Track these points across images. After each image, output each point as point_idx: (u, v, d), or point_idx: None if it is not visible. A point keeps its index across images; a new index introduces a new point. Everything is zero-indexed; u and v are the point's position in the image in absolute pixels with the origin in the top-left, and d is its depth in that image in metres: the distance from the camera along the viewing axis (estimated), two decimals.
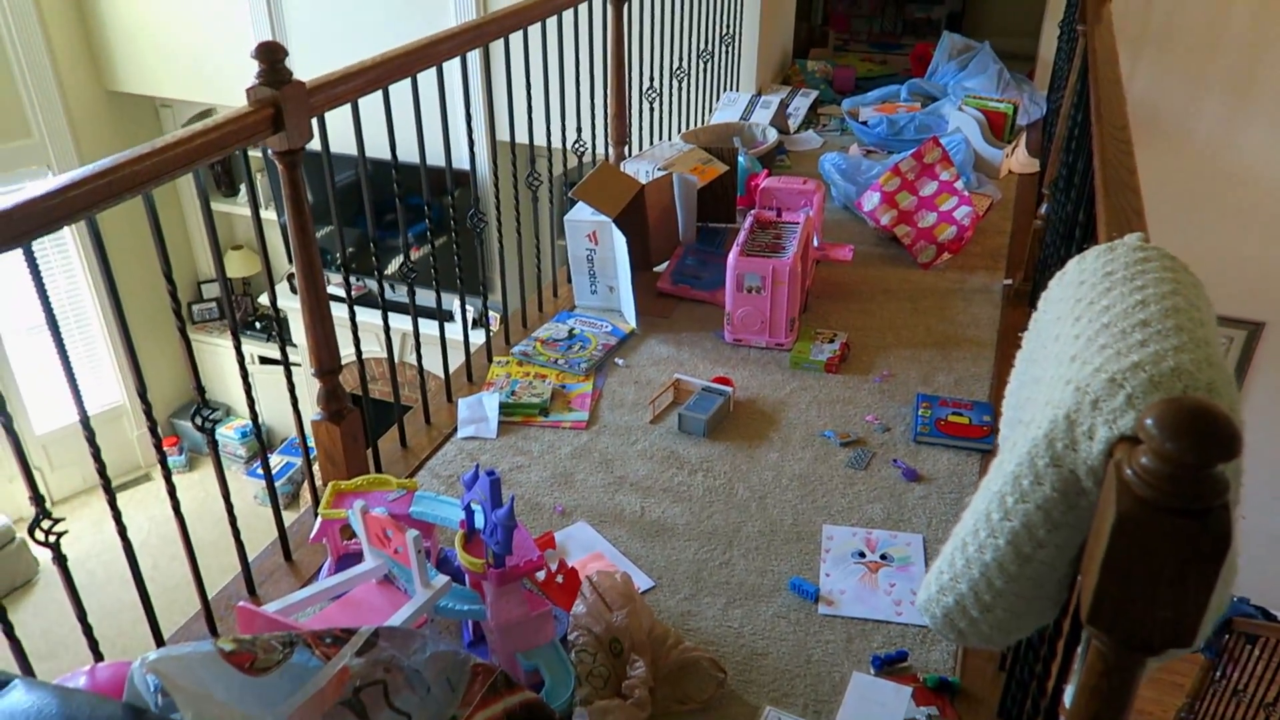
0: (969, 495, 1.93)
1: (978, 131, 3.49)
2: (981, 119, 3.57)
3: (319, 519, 1.66)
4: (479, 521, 1.48)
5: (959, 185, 2.92)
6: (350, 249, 5.61)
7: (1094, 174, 1.39)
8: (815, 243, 2.74)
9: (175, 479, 1.65)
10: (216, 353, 6.47)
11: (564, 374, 2.37)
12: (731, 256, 2.40)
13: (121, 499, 1.54)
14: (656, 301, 2.72)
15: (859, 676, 1.53)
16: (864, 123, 3.86)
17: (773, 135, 3.55)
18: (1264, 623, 3.81)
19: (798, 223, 2.58)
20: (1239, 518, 0.78)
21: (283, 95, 1.55)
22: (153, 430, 1.49)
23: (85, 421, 1.39)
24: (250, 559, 1.79)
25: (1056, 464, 0.76)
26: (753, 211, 2.65)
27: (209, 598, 1.66)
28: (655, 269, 2.88)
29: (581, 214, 2.59)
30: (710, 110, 3.96)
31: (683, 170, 2.89)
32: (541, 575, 1.70)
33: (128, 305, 1.47)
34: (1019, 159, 3.64)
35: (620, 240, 2.51)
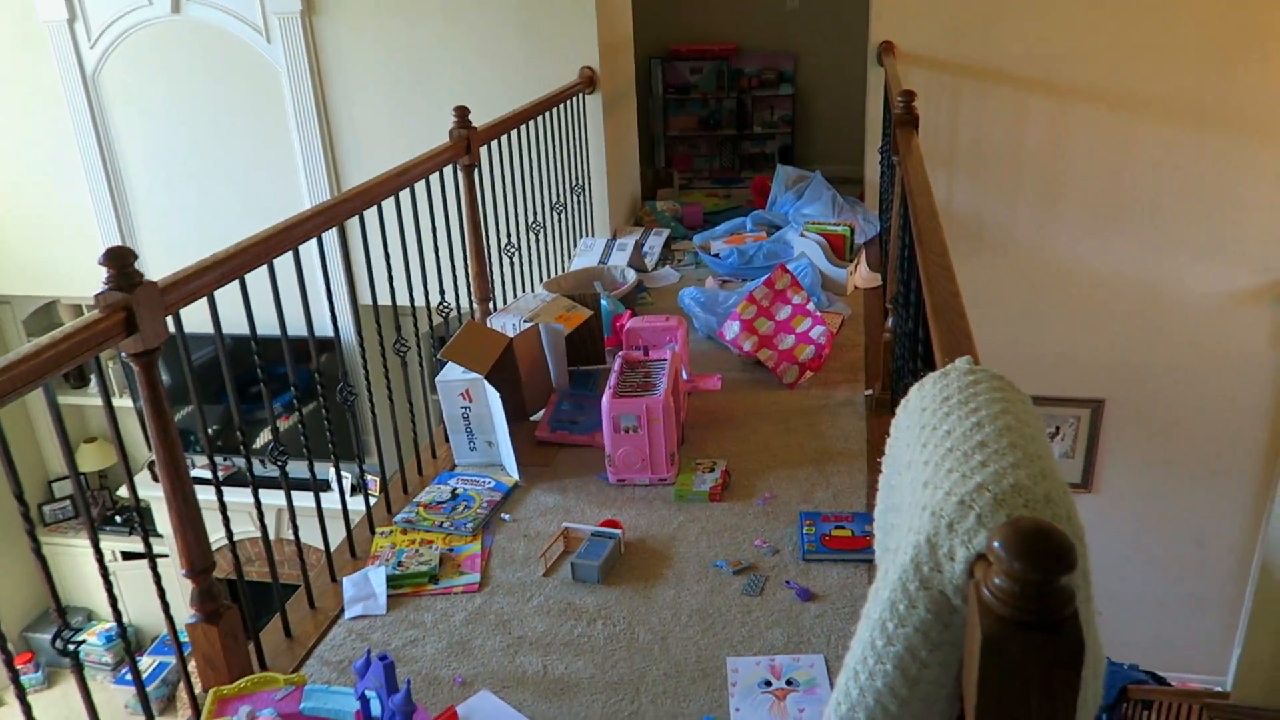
0: (861, 606, 1.98)
1: (821, 254, 3.72)
2: (823, 242, 3.81)
3: None
4: (375, 710, 1.42)
5: (811, 306, 3.10)
6: (215, 427, 5.42)
7: (924, 299, 1.51)
8: (684, 375, 2.83)
9: (33, 699, 1.53)
10: (72, 553, 6.03)
11: (450, 536, 2.33)
12: (605, 399, 2.45)
13: None
14: (537, 450, 2.73)
15: None
16: (716, 255, 4.06)
17: (631, 275, 3.69)
18: (1156, 687, 3.97)
19: (665, 359, 2.67)
20: (1095, 613, 0.84)
21: (134, 298, 1.53)
22: (5, 655, 1.39)
23: None
24: None
25: (926, 587, 0.81)
26: (621, 353, 2.73)
27: None
28: (531, 418, 2.90)
29: (453, 374, 2.61)
30: (569, 257, 4.09)
31: (548, 320, 2.96)
32: None
33: None
34: (862, 275, 3.89)
35: (494, 395, 2.53)
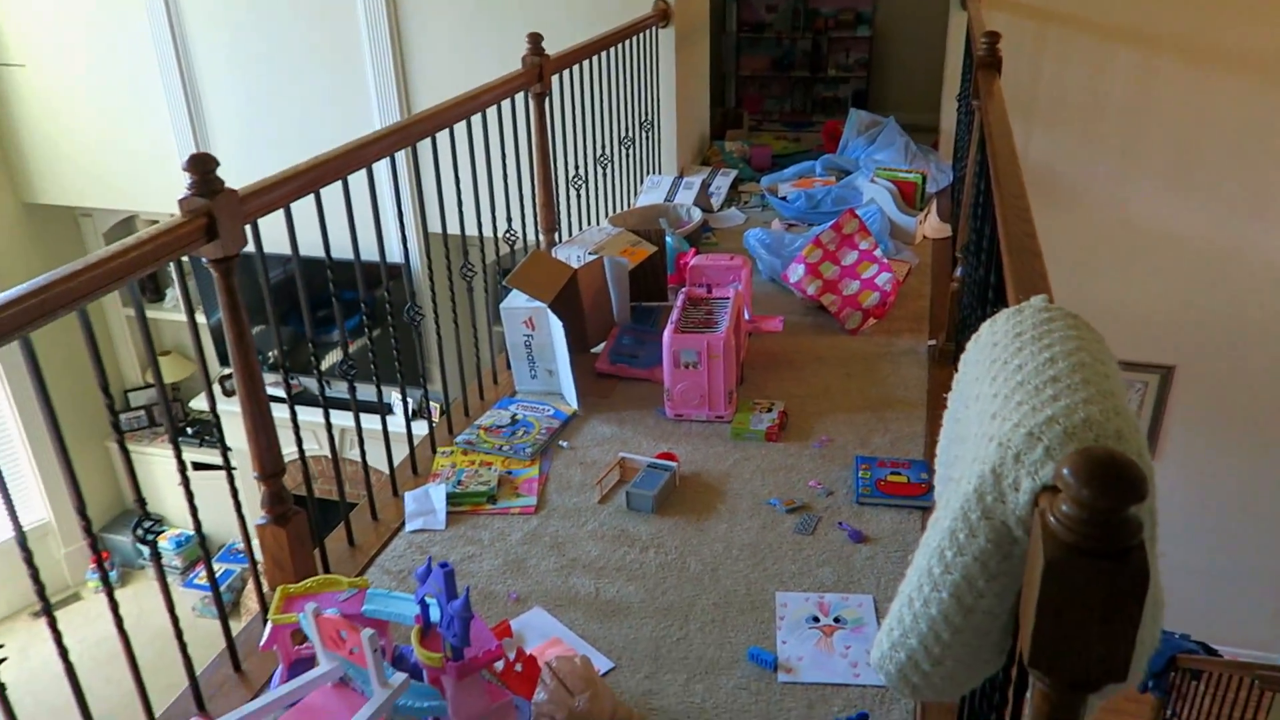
0: (913, 552, 1.99)
1: (891, 201, 3.65)
2: (893, 189, 3.74)
3: (269, 625, 1.63)
4: (435, 615, 1.48)
5: (878, 253, 3.05)
6: (285, 347, 5.57)
7: (999, 240, 1.48)
8: (746, 315, 2.82)
9: (105, 596, 1.62)
10: (145, 461, 6.29)
11: (509, 460, 2.38)
12: (667, 334, 2.46)
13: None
14: (596, 382, 2.76)
15: None
16: (783, 198, 4.01)
17: (697, 214, 3.67)
18: (1206, 658, 3.92)
19: (728, 298, 2.66)
20: (1159, 554, 0.84)
21: (215, 204, 1.57)
22: (94, 545, 1.47)
23: (23, 543, 1.37)
24: (196, 672, 1.75)
25: (988, 516, 0.81)
26: (684, 289, 2.73)
27: (155, 718, 1.61)
28: (592, 350, 2.92)
29: (517, 301, 2.64)
30: (635, 193, 4.08)
31: (613, 253, 2.97)
32: (500, 665, 1.69)
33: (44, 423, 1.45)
34: (932, 225, 3.82)
35: (557, 324, 2.55)
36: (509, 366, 2.75)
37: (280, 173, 1.79)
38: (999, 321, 1.00)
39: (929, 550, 0.88)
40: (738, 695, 1.66)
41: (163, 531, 6.35)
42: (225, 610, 1.85)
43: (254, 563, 1.89)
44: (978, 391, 0.93)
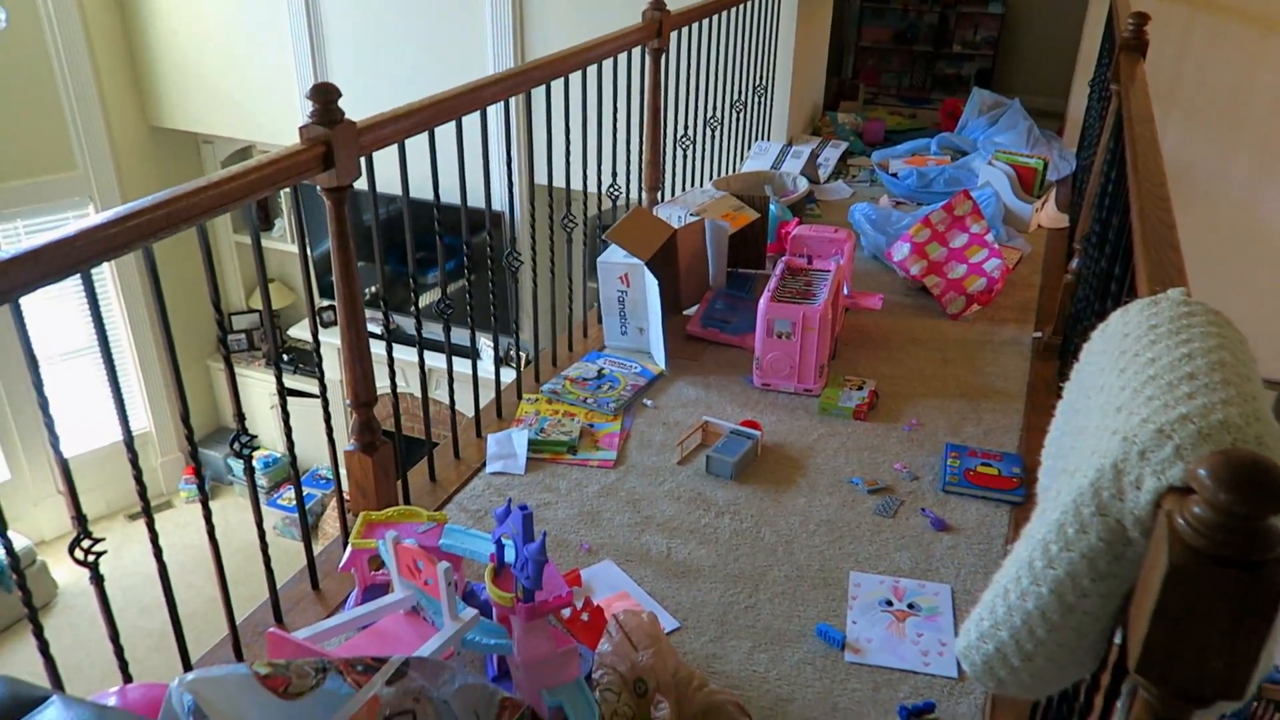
0: (998, 546, 1.93)
1: (1008, 186, 3.51)
2: (1011, 174, 3.59)
3: (349, 548, 1.67)
4: (509, 556, 1.49)
5: (989, 238, 2.94)
6: (376, 287, 5.67)
7: (1131, 230, 1.40)
8: (845, 290, 2.75)
9: (195, 509, 1.69)
10: (242, 384, 6.52)
11: (593, 413, 2.38)
12: (763, 301, 2.42)
13: (143, 526, 1.57)
14: (686, 344, 2.73)
15: None
16: (894, 174, 3.89)
17: (803, 184, 3.59)
18: None
19: (829, 270, 2.60)
20: None
21: (334, 134, 1.59)
22: (194, 453, 1.52)
23: (130, 444, 1.44)
24: (277, 587, 1.81)
25: (1103, 513, 0.76)
26: (784, 258, 2.67)
27: (237, 624, 1.67)
28: (685, 312, 2.90)
29: (614, 256, 2.62)
30: (742, 159, 4.01)
31: (715, 216, 2.93)
32: (567, 613, 1.70)
33: (157, 336, 1.52)
34: (1048, 214, 3.66)
35: (652, 283, 2.53)
36: (600, 321, 2.74)
37: (397, 109, 1.80)
38: (1132, 311, 0.94)
39: (1033, 542, 0.83)
40: (802, 669, 1.64)
41: (257, 449, 6.61)
42: (309, 530, 1.91)
43: (339, 488, 1.94)
44: (1102, 383, 0.88)
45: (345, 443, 1.94)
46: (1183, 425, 0.73)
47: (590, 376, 2.53)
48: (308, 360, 6.14)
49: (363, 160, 1.71)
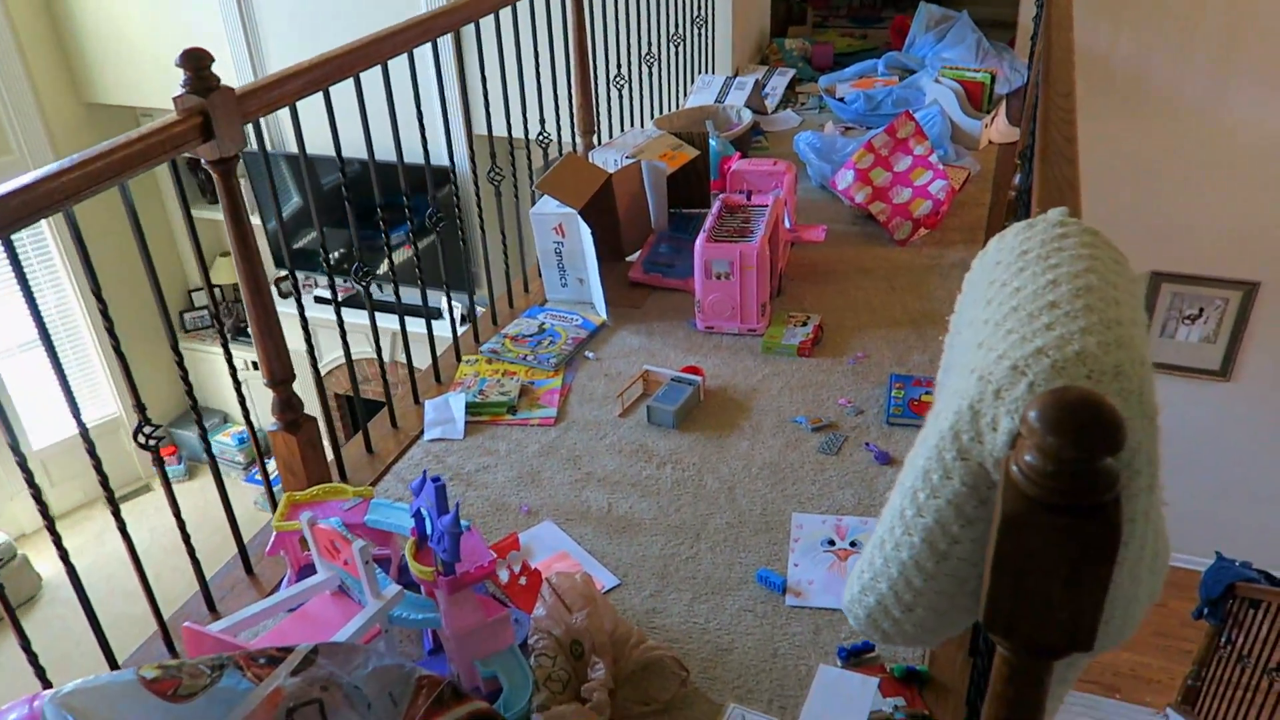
0: None
1: (955, 103, 3.43)
2: (959, 90, 3.50)
3: (274, 531, 1.63)
4: (430, 529, 1.45)
5: (933, 159, 2.87)
6: (341, 250, 5.59)
7: (1037, 124, 1.34)
8: (787, 224, 2.69)
9: (175, 488, 1.68)
10: (210, 359, 6.46)
11: (533, 370, 2.33)
12: (698, 242, 2.36)
13: (122, 510, 1.56)
14: (628, 292, 2.68)
15: (825, 669, 1.50)
16: (841, 99, 3.80)
17: (747, 116, 3.50)
18: (1267, 587, 3.77)
19: (766, 205, 2.54)
20: (1159, 504, 0.74)
21: (210, 103, 1.51)
22: (148, 446, 1.48)
23: (85, 434, 1.39)
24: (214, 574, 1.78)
25: (964, 457, 0.72)
26: (720, 196, 2.60)
27: (164, 618, 1.64)
28: (629, 259, 2.84)
29: (547, 207, 2.55)
30: (684, 94, 3.91)
31: (651, 157, 2.85)
32: (505, 577, 1.68)
33: (119, 316, 1.51)
34: (999, 128, 3.58)
35: (586, 232, 2.47)
36: (540, 274, 2.68)
37: (283, 70, 1.72)
38: (1007, 237, 0.89)
39: (903, 490, 0.80)
40: (742, 617, 1.62)
41: (223, 429, 6.56)
42: (234, 517, 1.88)
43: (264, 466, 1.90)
44: (970, 316, 0.83)
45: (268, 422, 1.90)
46: (1037, 359, 0.69)
47: (530, 333, 2.47)
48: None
49: (251, 127, 1.63)
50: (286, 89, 1.69)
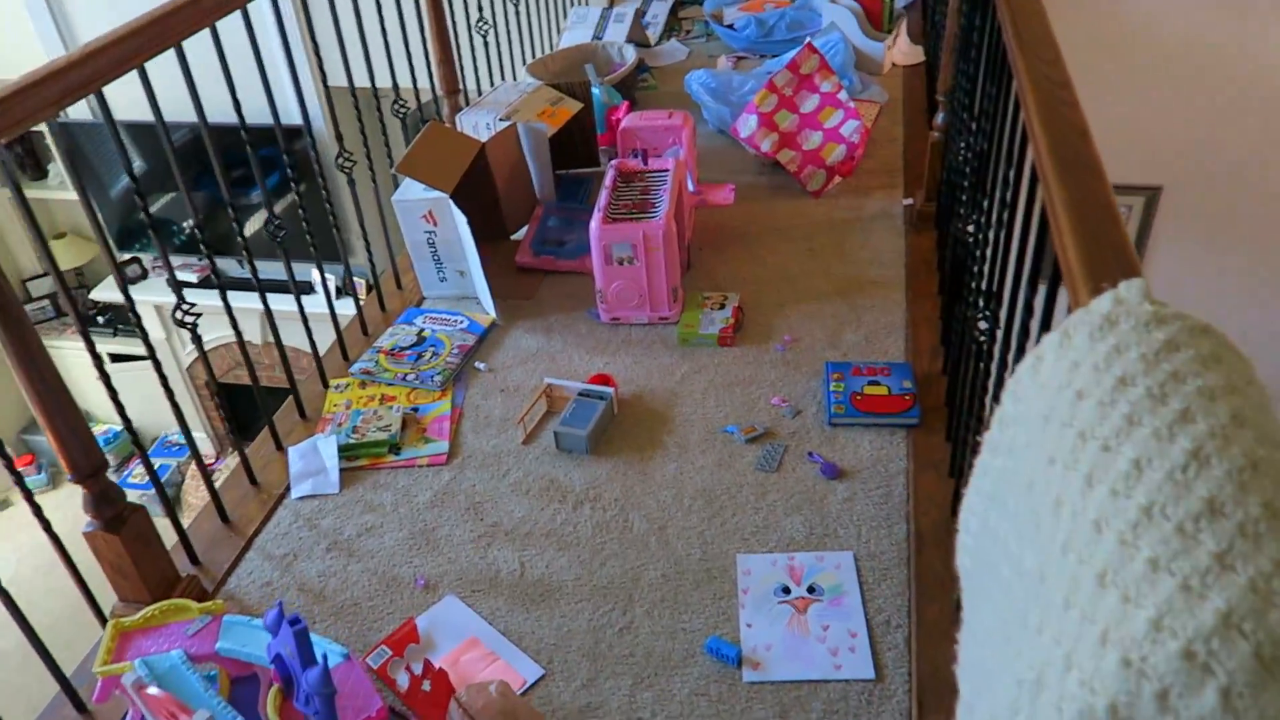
0: (899, 487, 1.66)
1: (855, 24, 3.13)
2: (857, 9, 3.20)
3: (99, 678, 1.28)
4: (295, 682, 1.13)
5: (843, 96, 2.58)
6: (188, 223, 5.01)
7: (1023, 119, 1.06)
8: (690, 186, 2.38)
9: (39, 499, 1.42)
10: (59, 355, 5.77)
11: (416, 391, 1.99)
12: (594, 224, 2.03)
13: None
14: (518, 280, 2.33)
15: None
16: (730, 26, 3.45)
17: (630, 54, 3.13)
18: None
19: (666, 169, 2.21)
20: None
21: None
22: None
23: None
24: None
25: None
26: (613, 162, 2.26)
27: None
28: (513, 236, 2.49)
29: (412, 192, 2.17)
30: (557, 34, 3.50)
31: (529, 117, 2.48)
32: (404, 682, 1.38)
33: None
34: (902, 49, 3.31)
35: (462, 220, 2.11)
36: (414, 268, 2.31)
37: (66, 56, 1.31)
38: (1078, 340, 0.60)
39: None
40: (695, 703, 1.36)
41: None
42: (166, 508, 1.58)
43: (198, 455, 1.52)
44: (1050, 480, 0.55)
45: (188, 402, 1.52)
46: (1225, 642, 0.41)
47: (409, 344, 2.12)
48: (127, 319, 5.45)
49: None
50: (67, 84, 1.27)
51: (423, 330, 2.15)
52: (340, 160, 2.04)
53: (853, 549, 1.57)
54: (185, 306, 1.56)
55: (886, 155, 2.74)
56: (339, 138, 2.09)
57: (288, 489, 1.79)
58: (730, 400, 1.90)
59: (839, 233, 2.41)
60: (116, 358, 5.80)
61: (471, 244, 2.12)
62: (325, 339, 2.11)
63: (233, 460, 5.43)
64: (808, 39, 3.00)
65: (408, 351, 2.09)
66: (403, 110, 2.29)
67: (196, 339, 1.64)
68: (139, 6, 1.48)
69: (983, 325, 1.41)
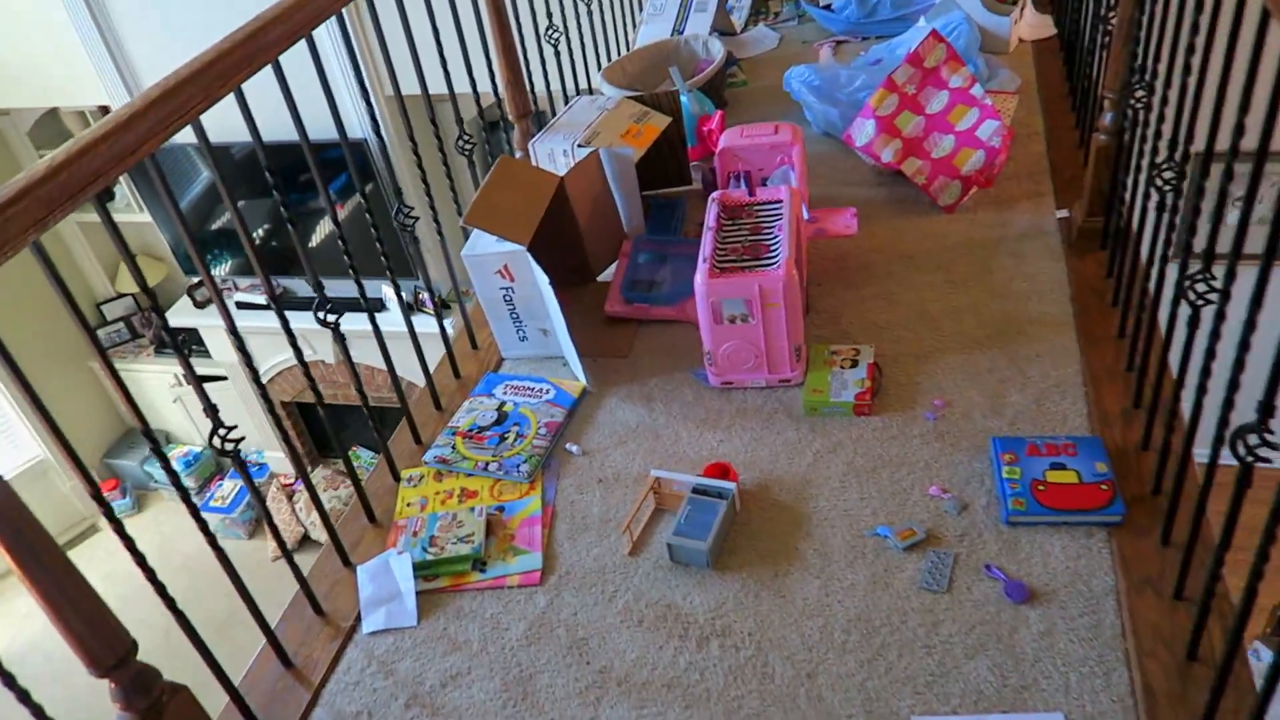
0: (1109, 612, 1.31)
1: (977, 0, 2.71)
2: None
3: None
4: None
5: (976, 91, 2.19)
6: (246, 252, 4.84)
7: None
8: (805, 215, 2.03)
9: (127, 527, 1.21)
10: (135, 377, 5.72)
11: (500, 484, 1.71)
12: (699, 279, 1.70)
13: (81, 556, 1.02)
14: (608, 333, 2.03)
15: None
16: (826, 7, 3.07)
17: (718, 49, 2.77)
18: None
19: (780, 200, 1.87)
20: None
21: None
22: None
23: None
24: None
25: None
26: (714, 196, 1.93)
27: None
28: (600, 277, 2.18)
29: (483, 244, 1.88)
30: (634, 28, 3.16)
31: (611, 140, 2.16)
32: None
33: (22, 351, 0.97)
34: (1028, 21, 2.88)
35: (542, 277, 1.80)
36: (489, 324, 2.02)
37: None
38: None
39: None
40: None
41: (167, 451, 5.89)
42: (245, 530, 1.42)
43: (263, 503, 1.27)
44: None
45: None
46: None
47: (489, 422, 1.83)
48: (200, 340, 5.33)
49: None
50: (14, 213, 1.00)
51: (504, 404, 1.86)
52: (399, 217, 1.75)
53: (1062, 709, 1.23)
54: (221, 433, 1.29)
55: (1028, 155, 2.35)
56: (398, 193, 1.80)
57: (358, 619, 1.53)
58: (876, 490, 1.57)
59: (982, 257, 2.03)
60: (203, 379, 5.71)
61: (555, 302, 1.82)
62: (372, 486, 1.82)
63: (317, 478, 5.28)
64: (921, 18, 2.61)
65: (488, 433, 1.80)
66: (468, 146, 1.98)
67: (241, 465, 1.38)
68: (193, 34, 1.26)
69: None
